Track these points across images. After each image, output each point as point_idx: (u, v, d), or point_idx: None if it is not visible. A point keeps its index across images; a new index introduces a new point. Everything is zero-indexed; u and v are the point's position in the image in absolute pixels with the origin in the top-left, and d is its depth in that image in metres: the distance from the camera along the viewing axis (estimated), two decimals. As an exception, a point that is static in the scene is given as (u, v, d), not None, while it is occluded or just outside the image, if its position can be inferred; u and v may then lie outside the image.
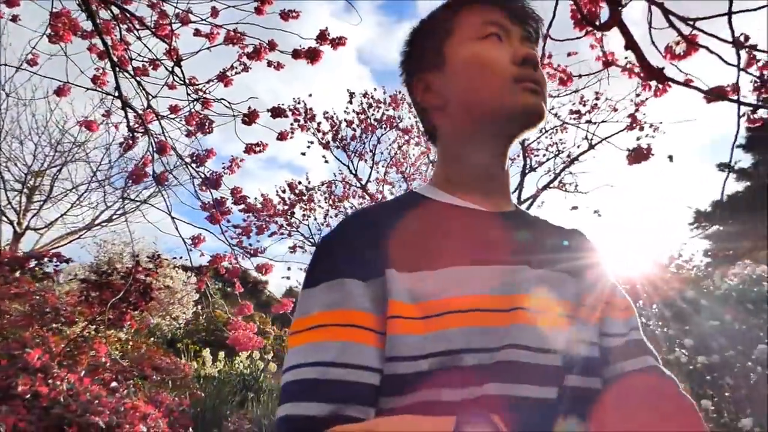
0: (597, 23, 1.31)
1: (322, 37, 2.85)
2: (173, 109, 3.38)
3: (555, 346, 0.54)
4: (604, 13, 1.62)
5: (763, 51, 1.23)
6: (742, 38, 1.73)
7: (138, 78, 3.19)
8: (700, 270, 6.81)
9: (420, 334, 0.50)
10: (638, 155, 2.07)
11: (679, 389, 0.57)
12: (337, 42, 2.86)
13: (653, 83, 1.83)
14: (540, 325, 0.54)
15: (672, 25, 1.33)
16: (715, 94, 1.79)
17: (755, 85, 2.00)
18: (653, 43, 1.48)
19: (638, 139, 5.91)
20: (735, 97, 1.76)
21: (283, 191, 8.38)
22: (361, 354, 0.49)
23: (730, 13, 1.10)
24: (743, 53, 1.76)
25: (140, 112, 3.16)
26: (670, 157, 5.74)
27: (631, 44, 1.35)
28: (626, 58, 1.86)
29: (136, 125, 3.15)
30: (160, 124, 3.10)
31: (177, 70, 3.16)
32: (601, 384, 0.57)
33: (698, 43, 1.42)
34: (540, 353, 0.53)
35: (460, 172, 0.67)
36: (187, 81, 3.21)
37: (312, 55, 2.85)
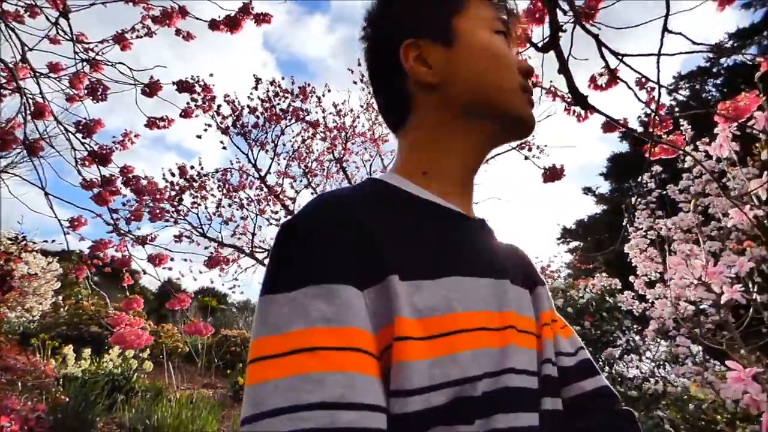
0: (538, 44, 1.38)
1: (245, 10, 2.64)
2: (53, 67, 2.91)
3: (535, 368, 0.51)
4: (536, 34, 1.72)
5: (664, 86, 1.40)
6: (643, 80, 1.95)
7: (9, 23, 2.69)
8: (565, 280, 7.66)
9: (428, 359, 0.41)
10: (552, 174, 2.24)
11: (622, 407, 0.59)
12: (262, 18, 2.67)
13: (577, 109, 1.98)
14: (526, 347, 0.51)
15: (602, 56, 1.45)
16: (613, 124, 2.00)
17: (642, 119, 2.28)
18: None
19: (526, 158, 6.44)
20: (623, 129, 1.99)
21: (173, 175, 7.70)
22: (370, 390, 0.38)
23: (659, 55, 1.22)
24: (643, 92, 1.98)
25: (11, 65, 2.66)
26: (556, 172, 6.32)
27: (564, 69, 1.44)
28: (551, 81, 1.99)
29: (5, 80, 2.65)
30: (37, 82, 2.64)
31: (63, 22, 2.73)
32: (561, 405, 0.54)
33: (619, 77, 1.56)
34: (529, 377, 0.49)
35: (440, 165, 0.58)
36: (74, 37, 2.78)
37: (232, 24, 2.61)
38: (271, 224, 8.49)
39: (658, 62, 1.23)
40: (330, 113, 7.86)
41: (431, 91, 0.58)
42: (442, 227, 0.53)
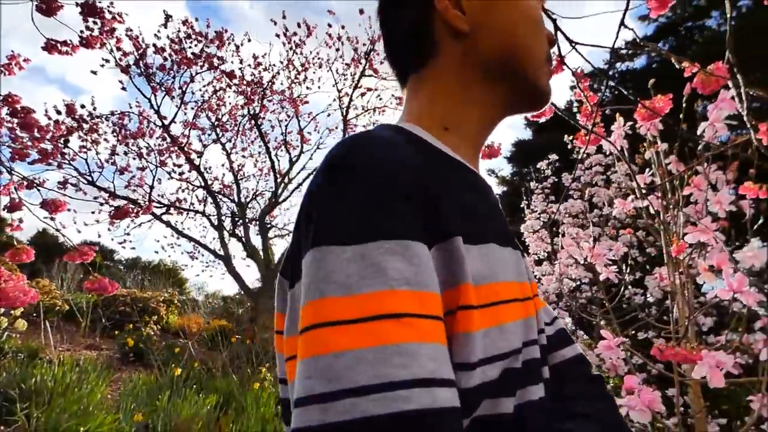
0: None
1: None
2: None
3: (537, 337, 0.49)
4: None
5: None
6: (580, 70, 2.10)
7: None
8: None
9: (482, 329, 0.38)
10: (491, 153, 2.32)
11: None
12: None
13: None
14: (535, 316, 0.49)
15: (557, 42, 1.53)
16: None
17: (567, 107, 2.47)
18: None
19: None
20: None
21: (58, 113, 6.83)
22: (449, 364, 0.34)
23: (613, 49, 1.33)
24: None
25: None
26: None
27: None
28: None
29: None
30: None
31: None
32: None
33: (567, 64, 1.64)
34: (538, 346, 0.48)
35: (461, 123, 0.53)
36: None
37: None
38: (172, 178, 7.93)
39: (612, 55, 1.33)
40: (248, 65, 7.44)
41: (459, 39, 0.53)
42: (479, 190, 0.50)
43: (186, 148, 7.41)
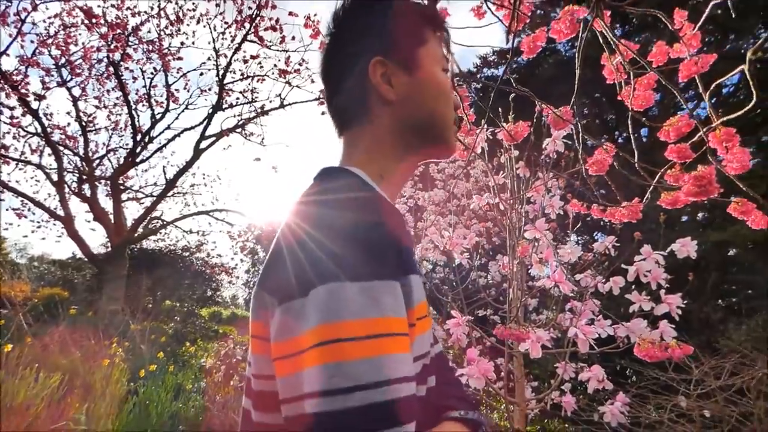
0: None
1: None
2: None
3: None
4: None
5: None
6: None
7: None
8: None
9: (416, 336, 0.53)
10: None
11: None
12: None
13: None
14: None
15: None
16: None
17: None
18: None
19: (323, 113, 6.70)
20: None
21: None
22: (412, 364, 0.50)
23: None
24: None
25: None
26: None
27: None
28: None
29: None
30: None
31: None
32: None
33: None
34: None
35: (391, 172, 0.68)
36: None
37: None
38: (-1, 121, 6.66)
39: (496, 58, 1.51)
40: (112, 5, 6.48)
41: (389, 107, 0.67)
42: (407, 231, 0.61)
43: (21, 88, 6.24)
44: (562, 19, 0.99)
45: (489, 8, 1.16)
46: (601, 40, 1.03)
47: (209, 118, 7.67)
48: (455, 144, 0.71)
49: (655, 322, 2.17)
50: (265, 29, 6.32)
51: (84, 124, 7.92)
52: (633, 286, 2.31)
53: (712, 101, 0.96)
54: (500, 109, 2.25)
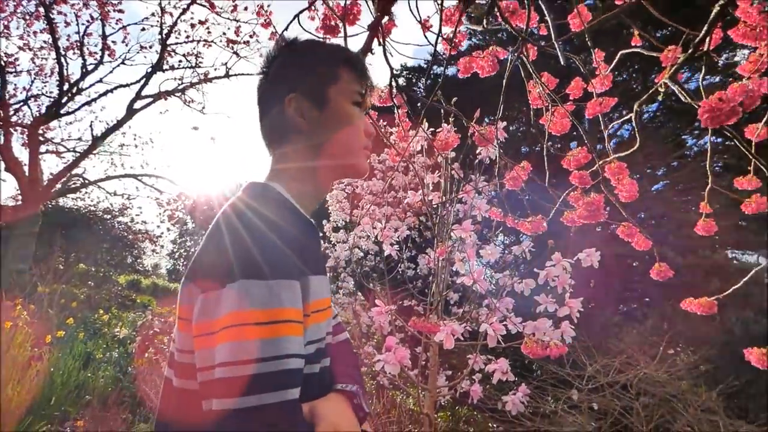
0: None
1: None
2: None
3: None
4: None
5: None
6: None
7: None
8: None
9: (314, 324, 0.68)
10: None
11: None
12: None
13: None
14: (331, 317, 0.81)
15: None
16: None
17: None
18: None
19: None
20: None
21: None
22: (303, 346, 0.63)
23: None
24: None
25: None
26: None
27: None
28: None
29: None
30: None
31: None
32: None
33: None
34: (331, 335, 0.79)
35: (307, 189, 0.81)
36: None
37: None
38: None
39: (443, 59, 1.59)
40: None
41: (302, 135, 0.80)
42: (314, 237, 0.78)
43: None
44: (485, 58, 1.10)
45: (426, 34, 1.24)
46: (530, 68, 1.15)
47: (147, 77, 7.23)
48: (365, 167, 0.84)
49: (559, 322, 2.40)
50: (218, -6, 6.08)
51: (3, 63, 7.18)
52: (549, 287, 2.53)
53: (632, 125, 1.09)
54: (442, 110, 2.37)
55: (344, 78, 0.81)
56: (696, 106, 0.71)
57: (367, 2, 1.15)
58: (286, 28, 1.18)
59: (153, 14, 6.96)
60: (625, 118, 1.06)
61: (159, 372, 3.85)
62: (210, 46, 7.06)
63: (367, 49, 1.12)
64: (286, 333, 0.59)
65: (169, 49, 7.03)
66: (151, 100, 7.43)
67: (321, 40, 0.89)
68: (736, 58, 7.05)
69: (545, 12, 0.98)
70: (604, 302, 8.08)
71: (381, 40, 1.13)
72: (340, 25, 1.11)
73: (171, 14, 6.72)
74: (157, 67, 7.14)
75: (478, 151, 2.88)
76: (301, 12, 1.18)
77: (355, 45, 1.15)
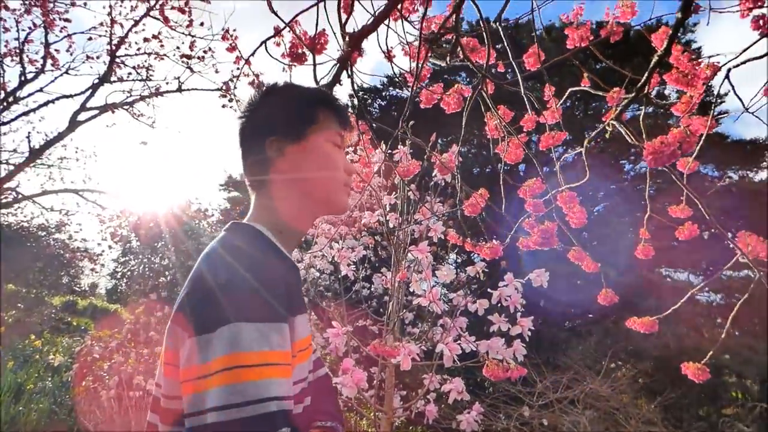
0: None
1: None
2: None
3: None
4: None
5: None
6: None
7: None
8: (218, 226, 8.02)
9: (297, 365, 0.70)
10: None
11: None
12: None
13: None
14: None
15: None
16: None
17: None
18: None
19: (223, 106, 6.47)
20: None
21: None
22: (291, 387, 0.65)
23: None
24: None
25: None
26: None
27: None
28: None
29: None
30: None
31: None
32: None
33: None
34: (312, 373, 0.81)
35: (289, 228, 0.83)
36: None
37: None
38: None
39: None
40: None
41: (283, 176, 0.82)
42: (297, 277, 0.80)
43: None
44: (451, 96, 1.16)
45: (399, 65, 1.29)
46: (489, 102, 1.22)
47: (94, 88, 6.90)
48: (346, 204, 0.87)
49: (511, 341, 2.47)
50: (172, 8, 5.93)
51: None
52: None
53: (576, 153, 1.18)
54: (402, 130, 2.43)
55: (322, 118, 0.85)
56: (641, 146, 0.79)
57: (334, 32, 1.18)
58: (252, 54, 1.20)
59: (101, 24, 6.71)
60: (577, 151, 1.14)
61: (99, 402, 3.62)
62: (162, 59, 6.86)
63: (336, 80, 1.16)
64: (277, 376, 0.61)
65: (118, 60, 6.77)
66: (97, 112, 7.10)
67: (298, 84, 0.91)
68: (666, 91, 7.65)
69: (509, 51, 1.05)
70: (551, 319, 8.37)
71: (349, 72, 1.17)
72: (308, 53, 1.14)
73: (122, 25, 6.50)
74: (104, 78, 6.85)
75: (434, 174, 2.96)
76: (267, 39, 1.20)
77: (322, 73, 1.18)
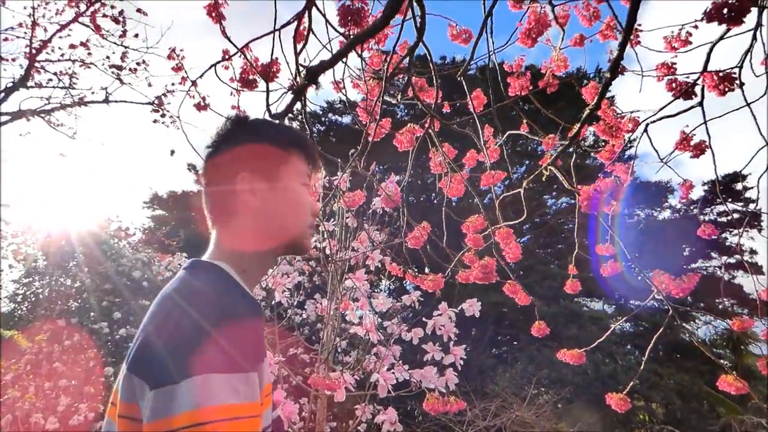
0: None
1: None
2: None
3: None
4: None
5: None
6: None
7: None
8: (145, 250, 7.54)
9: (263, 412, 0.66)
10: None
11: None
12: None
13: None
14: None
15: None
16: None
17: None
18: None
19: (155, 121, 6.18)
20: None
21: None
22: None
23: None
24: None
25: None
26: (172, 152, 6.23)
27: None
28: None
29: None
30: None
31: None
32: None
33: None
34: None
35: (253, 267, 0.80)
36: None
37: None
38: None
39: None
40: None
41: (251, 212, 0.79)
42: (261, 320, 0.74)
43: None
44: (404, 134, 1.20)
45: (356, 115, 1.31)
46: (435, 141, 1.27)
47: (7, 92, 6.30)
48: (310, 245, 0.85)
49: (444, 369, 2.50)
50: (104, 16, 5.61)
51: None
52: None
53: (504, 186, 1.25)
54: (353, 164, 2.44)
55: (295, 159, 0.84)
56: (576, 192, 0.86)
57: (287, 61, 1.18)
58: (201, 76, 1.16)
59: (21, 25, 6.21)
60: (514, 192, 1.21)
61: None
62: (89, 67, 6.43)
63: (289, 110, 1.15)
64: (246, 428, 0.59)
65: (37, 65, 6.26)
66: (9, 118, 6.48)
67: (272, 120, 0.93)
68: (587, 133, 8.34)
69: (468, 93, 1.11)
70: (480, 346, 8.60)
71: (303, 104, 1.17)
72: (259, 80, 1.13)
73: (45, 29, 6.04)
74: (20, 83, 6.28)
75: (372, 203, 2.99)
76: (216, 63, 1.17)
77: (272, 98, 1.17)
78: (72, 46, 6.14)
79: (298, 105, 1.26)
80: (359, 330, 2.47)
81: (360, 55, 1.24)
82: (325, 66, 1.07)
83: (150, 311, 0.70)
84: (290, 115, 1.37)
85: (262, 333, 0.72)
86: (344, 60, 1.14)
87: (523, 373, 6.73)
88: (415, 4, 1.07)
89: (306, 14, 1.11)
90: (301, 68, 1.13)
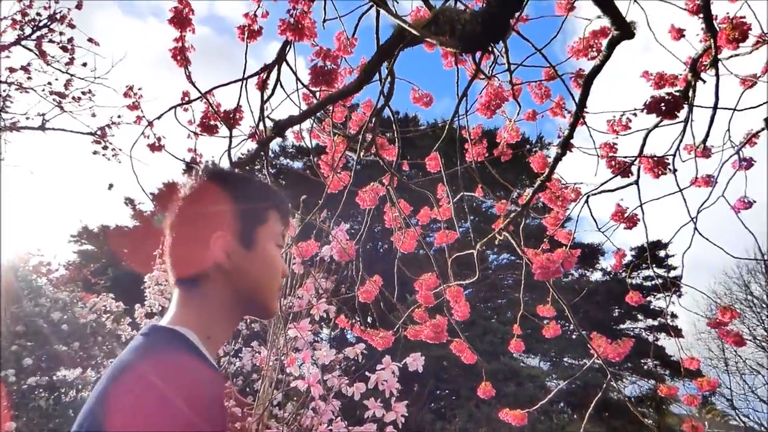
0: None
1: None
2: None
3: None
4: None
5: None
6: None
7: None
8: (67, 288, 6.97)
9: None
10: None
11: None
12: None
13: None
14: None
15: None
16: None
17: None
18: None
19: (95, 153, 5.93)
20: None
21: None
22: None
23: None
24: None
25: None
26: (110, 186, 5.96)
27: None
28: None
29: None
30: None
31: None
32: None
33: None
34: None
35: (217, 334, 0.76)
36: None
37: None
38: None
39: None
40: None
41: (223, 274, 0.75)
42: (223, 389, 0.72)
43: None
44: (367, 192, 1.23)
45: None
46: (393, 197, 1.30)
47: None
48: (276, 308, 0.83)
49: (384, 427, 2.43)
50: (50, 41, 5.41)
51: None
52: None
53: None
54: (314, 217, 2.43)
55: (271, 220, 0.81)
56: (528, 261, 0.90)
57: (251, 110, 1.19)
58: (159, 117, 1.14)
59: (-50, 40, 5.86)
60: (469, 251, 1.26)
61: None
62: (27, 92, 6.11)
63: (252, 160, 1.14)
64: None
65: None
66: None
67: (249, 176, 0.89)
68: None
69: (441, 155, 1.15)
70: (419, 401, 8.46)
71: (266, 154, 1.17)
72: (220, 125, 1.12)
73: (-14, 44, 5.73)
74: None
75: (321, 250, 2.96)
76: (175, 107, 1.15)
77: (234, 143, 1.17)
78: (11, 70, 5.85)
79: (266, 161, 1.26)
80: (300, 384, 2.37)
81: (325, 110, 1.27)
82: (294, 121, 1.09)
83: (104, 383, 0.64)
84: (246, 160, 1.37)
85: (223, 403, 0.68)
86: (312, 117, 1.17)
87: (461, 431, 6.65)
88: (385, 71, 1.13)
89: (276, 67, 1.13)
90: (266, 118, 1.14)
